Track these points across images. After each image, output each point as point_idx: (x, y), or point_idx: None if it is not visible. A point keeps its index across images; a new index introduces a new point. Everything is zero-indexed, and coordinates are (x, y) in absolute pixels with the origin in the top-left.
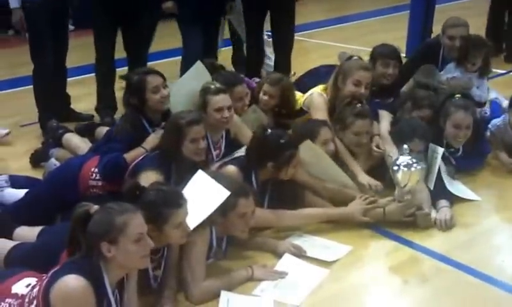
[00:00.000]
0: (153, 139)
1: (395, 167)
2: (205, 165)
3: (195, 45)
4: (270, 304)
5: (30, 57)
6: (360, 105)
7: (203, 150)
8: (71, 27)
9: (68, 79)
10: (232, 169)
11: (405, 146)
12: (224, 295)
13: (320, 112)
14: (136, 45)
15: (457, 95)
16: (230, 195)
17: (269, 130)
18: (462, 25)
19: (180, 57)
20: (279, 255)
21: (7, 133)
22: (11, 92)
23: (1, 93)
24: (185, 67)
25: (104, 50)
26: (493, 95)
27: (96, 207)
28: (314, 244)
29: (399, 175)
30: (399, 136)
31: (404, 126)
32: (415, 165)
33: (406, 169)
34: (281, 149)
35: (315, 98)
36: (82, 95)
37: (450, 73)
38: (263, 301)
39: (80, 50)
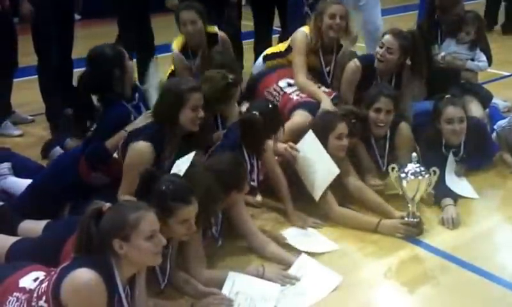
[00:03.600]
0: (138, 122)
1: (403, 175)
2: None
3: None
4: (276, 288)
5: (34, 49)
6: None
7: (200, 120)
8: (77, 17)
9: (75, 70)
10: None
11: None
12: (231, 276)
13: (297, 56)
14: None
15: (446, 96)
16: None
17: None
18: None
19: None
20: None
21: (19, 135)
22: (19, 81)
23: None
24: None
25: (127, 40)
26: None
27: (108, 205)
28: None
29: (406, 184)
30: (367, 100)
31: (370, 90)
32: (423, 173)
33: (413, 177)
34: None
35: (298, 38)
36: None
37: (447, 49)
38: (268, 285)
39: (87, 40)
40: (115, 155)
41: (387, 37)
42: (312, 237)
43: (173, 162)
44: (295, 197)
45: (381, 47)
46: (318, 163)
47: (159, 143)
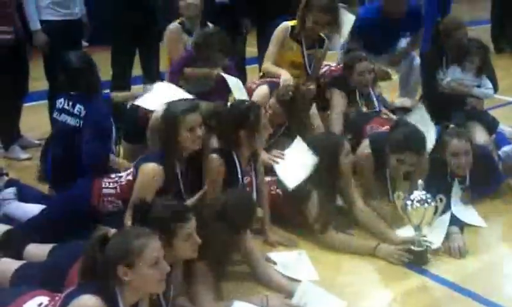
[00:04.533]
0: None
1: (408, 202)
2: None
3: None
4: None
5: (45, 74)
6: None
7: (200, 138)
8: (85, 44)
9: None
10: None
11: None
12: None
13: (271, 47)
14: (152, 61)
15: (451, 125)
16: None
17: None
18: None
19: None
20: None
21: (28, 158)
22: (27, 106)
23: None
24: None
25: (121, 66)
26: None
27: (113, 231)
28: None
29: (412, 212)
30: (391, 145)
31: (397, 134)
32: (429, 200)
33: (419, 204)
34: (245, 113)
35: (278, 29)
36: None
37: (452, 75)
38: None
39: None
40: (129, 177)
41: None
42: (298, 262)
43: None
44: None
45: None
46: (299, 159)
47: (167, 167)
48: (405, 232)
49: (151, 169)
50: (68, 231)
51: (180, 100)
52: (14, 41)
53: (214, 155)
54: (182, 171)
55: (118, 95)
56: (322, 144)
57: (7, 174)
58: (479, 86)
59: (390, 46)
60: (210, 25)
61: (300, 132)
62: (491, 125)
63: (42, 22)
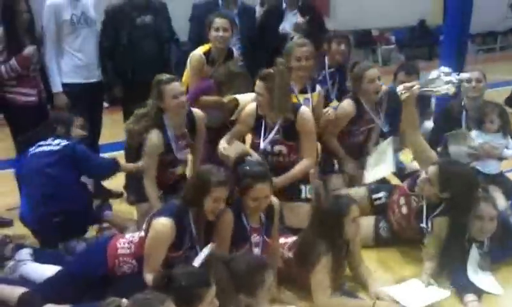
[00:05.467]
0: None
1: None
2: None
3: None
4: None
5: None
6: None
7: (219, 211)
8: (106, 105)
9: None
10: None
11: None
12: None
13: (191, 77)
14: None
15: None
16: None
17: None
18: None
19: None
20: None
21: None
22: None
23: None
24: None
25: None
26: None
27: (125, 301)
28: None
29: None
30: None
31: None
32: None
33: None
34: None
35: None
36: None
37: (479, 139)
38: None
39: (113, 126)
40: (142, 233)
41: None
42: None
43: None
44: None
45: None
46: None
47: (181, 220)
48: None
49: (163, 224)
50: (83, 293)
51: (216, 168)
52: (37, 103)
53: (229, 209)
54: (195, 226)
55: (127, 167)
56: (329, 205)
57: (11, 241)
58: (507, 147)
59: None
60: (236, 54)
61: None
62: (509, 190)
63: (64, 84)
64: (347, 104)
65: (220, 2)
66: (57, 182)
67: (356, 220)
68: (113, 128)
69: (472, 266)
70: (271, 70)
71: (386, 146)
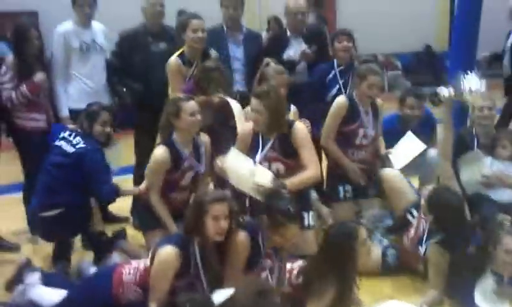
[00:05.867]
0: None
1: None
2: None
3: None
4: None
5: None
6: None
7: (224, 230)
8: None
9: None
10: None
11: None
12: None
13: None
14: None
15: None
16: None
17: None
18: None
19: None
20: None
21: None
22: None
23: None
24: None
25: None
26: None
27: None
28: None
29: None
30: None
31: None
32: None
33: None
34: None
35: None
36: None
37: (492, 167)
38: None
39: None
40: (147, 262)
41: None
42: None
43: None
44: None
45: None
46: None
47: (186, 248)
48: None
49: (167, 253)
50: None
51: (212, 190)
52: (46, 128)
53: (244, 234)
54: (201, 254)
55: (126, 191)
56: (337, 229)
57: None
58: None
59: None
60: (213, 53)
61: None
62: None
63: (71, 110)
64: (340, 99)
65: (225, 28)
66: (57, 182)
67: (364, 244)
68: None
69: (483, 294)
70: (265, 87)
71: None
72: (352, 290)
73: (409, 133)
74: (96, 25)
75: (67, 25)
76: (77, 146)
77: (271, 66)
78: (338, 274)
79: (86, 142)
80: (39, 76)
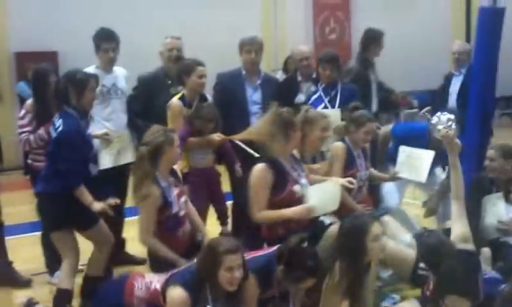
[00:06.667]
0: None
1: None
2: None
3: None
4: None
5: None
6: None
7: (238, 281)
8: None
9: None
10: None
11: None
12: None
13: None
14: None
15: None
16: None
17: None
18: None
19: None
20: None
21: None
22: None
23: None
24: None
25: None
26: None
27: None
28: None
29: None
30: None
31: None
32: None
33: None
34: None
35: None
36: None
37: (508, 215)
38: None
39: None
40: (158, 286)
41: None
42: None
43: None
44: None
45: None
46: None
47: (197, 293)
48: None
49: (178, 296)
50: None
51: (224, 238)
52: None
53: (252, 275)
54: (213, 299)
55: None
56: (348, 224)
57: (37, 303)
58: None
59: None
60: (209, 98)
61: None
62: None
63: None
64: (338, 144)
65: (243, 72)
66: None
67: (379, 239)
68: None
69: None
70: None
71: (426, 156)
72: (363, 283)
73: (404, 148)
74: (118, 69)
75: (89, 71)
76: (58, 130)
77: (311, 111)
78: (349, 265)
79: (69, 118)
80: None
